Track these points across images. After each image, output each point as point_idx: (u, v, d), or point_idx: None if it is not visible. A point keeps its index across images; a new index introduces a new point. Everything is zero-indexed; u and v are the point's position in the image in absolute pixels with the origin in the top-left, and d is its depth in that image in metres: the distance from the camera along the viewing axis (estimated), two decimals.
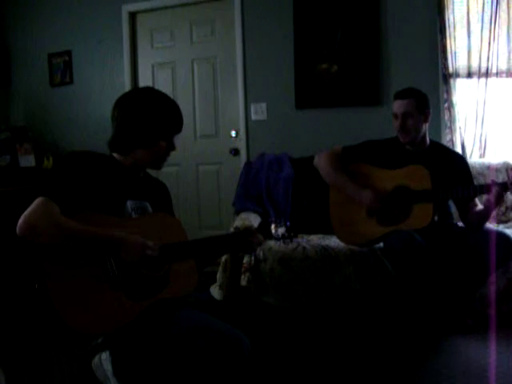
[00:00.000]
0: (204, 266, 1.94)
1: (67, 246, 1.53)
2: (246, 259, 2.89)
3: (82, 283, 1.53)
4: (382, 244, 2.74)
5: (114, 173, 1.74)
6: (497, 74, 3.61)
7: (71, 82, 4.76)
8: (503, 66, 3.62)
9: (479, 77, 3.63)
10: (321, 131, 4.04)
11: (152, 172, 1.96)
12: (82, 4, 4.65)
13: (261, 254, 2.89)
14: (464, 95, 3.72)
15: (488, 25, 3.56)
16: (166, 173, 1.99)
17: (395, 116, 2.75)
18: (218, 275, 2.95)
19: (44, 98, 4.84)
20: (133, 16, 4.57)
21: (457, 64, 3.68)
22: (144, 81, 4.55)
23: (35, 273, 1.52)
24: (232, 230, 2.95)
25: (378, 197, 2.68)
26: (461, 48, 3.67)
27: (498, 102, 3.65)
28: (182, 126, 1.81)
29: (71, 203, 1.57)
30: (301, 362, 2.37)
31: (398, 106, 2.73)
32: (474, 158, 3.64)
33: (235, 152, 4.33)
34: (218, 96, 4.41)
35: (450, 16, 3.64)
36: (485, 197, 2.60)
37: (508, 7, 3.55)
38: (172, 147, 1.79)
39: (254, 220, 3.18)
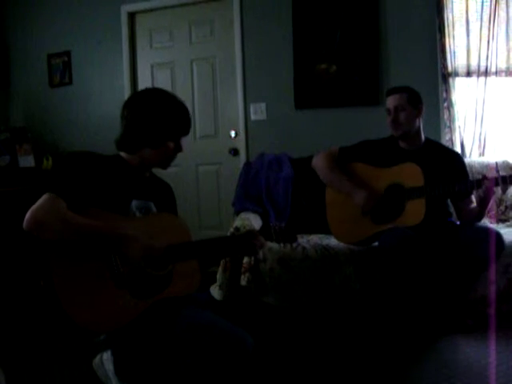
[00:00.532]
0: (207, 266, 1.95)
1: (73, 242, 1.54)
2: (245, 259, 2.89)
3: (87, 280, 1.55)
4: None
5: (120, 172, 1.76)
6: (496, 73, 3.61)
7: (70, 82, 4.75)
8: (502, 65, 3.62)
9: (478, 76, 3.63)
10: (320, 131, 4.04)
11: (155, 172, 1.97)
12: (81, 4, 4.64)
13: (260, 254, 2.88)
14: (463, 94, 3.72)
15: (487, 23, 3.57)
16: (166, 173, 2.00)
17: (388, 111, 2.80)
18: (218, 275, 2.95)
19: (43, 98, 4.84)
20: (132, 16, 4.57)
21: (456, 63, 3.68)
22: (143, 81, 4.55)
23: (41, 269, 1.53)
24: (232, 230, 2.95)
25: (371, 197, 2.69)
26: (460, 47, 3.67)
27: (497, 101, 3.65)
28: (189, 128, 1.84)
29: (78, 199, 1.59)
30: (301, 361, 2.37)
31: (389, 101, 2.79)
32: (473, 157, 3.64)
33: (235, 152, 4.33)
34: (218, 96, 4.40)
35: (448, 15, 3.64)
36: (476, 192, 2.62)
37: (507, 6, 3.55)
38: (179, 148, 1.82)
39: (254, 220, 3.18)
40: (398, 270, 2.50)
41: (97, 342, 1.68)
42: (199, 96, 4.44)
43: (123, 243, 1.59)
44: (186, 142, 1.85)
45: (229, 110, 4.36)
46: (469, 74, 3.68)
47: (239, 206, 3.55)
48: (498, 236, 2.51)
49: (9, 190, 4.08)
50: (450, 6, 3.64)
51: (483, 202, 2.58)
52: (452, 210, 2.86)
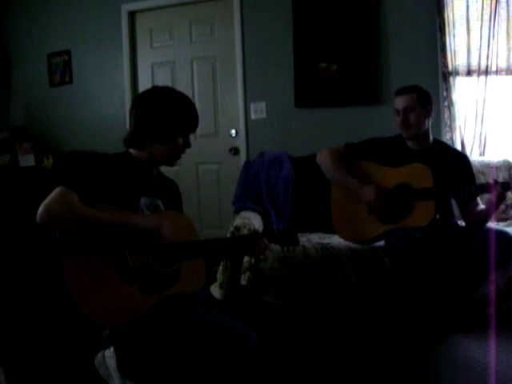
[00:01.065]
0: (211, 265, 1.98)
1: (86, 233, 1.56)
2: (246, 258, 2.89)
3: (96, 273, 1.57)
4: (382, 242, 2.73)
5: (129, 169, 1.78)
6: (496, 72, 3.61)
7: (70, 81, 4.75)
8: (503, 64, 3.61)
9: (479, 75, 3.63)
10: (320, 130, 4.04)
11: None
12: (81, 3, 4.65)
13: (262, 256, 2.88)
14: (464, 93, 3.72)
15: (487, 23, 3.56)
16: (166, 172, 2.01)
17: (397, 112, 2.74)
18: (219, 274, 2.95)
19: (43, 97, 4.84)
20: (132, 15, 4.57)
21: (456, 62, 3.68)
22: (143, 80, 4.55)
23: (52, 261, 1.55)
24: (232, 229, 2.95)
25: (380, 193, 2.68)
26: (460, 46, 3.67)
27: (497, 100, 3.65)
28: (197, 125, 1.88)
29: (89, 192, 1.61)
30: (301, 360, 2.37)
31: (398, 102, 2.73)
32: (473, 157, 3.64)
33: (235, 151, 4.33)
34: (218, 95, 4.40)
35: (449, 14, 3.64)
36: (486, 196, 2.59)
37: (507, 5, 3.55)
38: (188, 144, 1.86)
39: (254, 219, 3.18)
40: (405, 271, 2.49)
41: (101, 338, 1.69)
42: (199, 95, 4.44)
43: (134, 232, 1.62)
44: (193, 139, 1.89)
45: (229, 108, 4.36)
46: (469, 73, 3.68)
47: (239, 205, 3.55)
48: (509, 239, 2.48)
49: (9, 189, 4.08)
50: (450, 4, 3.64)
51: (493, 206, 2.54)
52: (454, 208, 2.85)
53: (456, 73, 3.69)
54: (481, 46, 3.60)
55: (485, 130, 3.67)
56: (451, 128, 3.73)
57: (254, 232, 2.01)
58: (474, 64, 3.65)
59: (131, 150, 1.84)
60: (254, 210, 3.43)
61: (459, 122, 3.71)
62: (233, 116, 4.33)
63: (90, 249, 1.58)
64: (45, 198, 1.55)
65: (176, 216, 1.85)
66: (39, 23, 4.80)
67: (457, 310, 2.60)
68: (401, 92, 2.74)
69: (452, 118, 3.72)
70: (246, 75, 4.22)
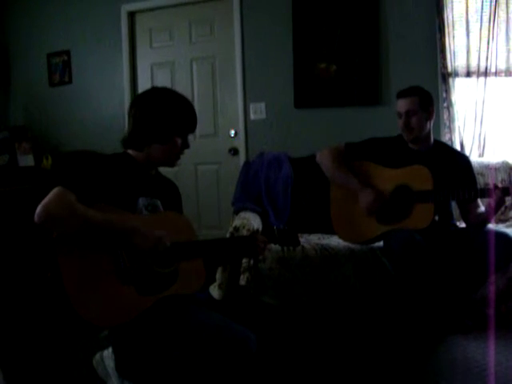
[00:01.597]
0: (210, 268, 1.97)
1: (84, 234, 1.56)
2: (245, 259, 2.88)
3: (93, 274, 1.56)
4: (381, 243, 2.73)
5: (127, 169, 1.78)
6: (496, 74, 3.61)
7: (70, 81, 4.75)
8: (502, 66, 3.62)
9: (478, 76, 3.63)
10: (320, 131, 4.04)
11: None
12: (81, 3, 4.65)
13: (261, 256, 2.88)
14: (463, 94, 3.72)
15: (487, 24, 3.56)
16: (165, 173, 2.01)
17: (399, 115, 2.74)
18: (218, 275, 2.95)
19: (43, 97, 4.84)
20: (132, 15, 4.56)
21: (456, 63, 3.68)
22: (143, 80, 4.55)
23: (49, 262, 1.55)
24: (231, 229, 2.95)
25: (377, 198, 2.67)
26: (460, 47, 3.67)
27: (496, 102, 3.65)
28: (195, 125, 1.88)
29: (87, 193, 1.60)
30: (301, 361, 2.37)
31: (401, 105, 2.72)
32: (473, 158, 3.62)
33: (234, 152, 4.33)
34: (217, 95, 4.40)
35: (448, 15, 3.64)
36: (486, 200, 2.59)
37: (507, 6, 3.55)
38: (186, 145, 1.86)
39: (254, 219, 3.18)
40: (404, 272, 2.49)
41: (99, 338, 1.68)
42: (199, 95, 4.44)
43: (132, 235, 1.61)
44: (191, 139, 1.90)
45: (228, 109, 4.36)
46: (468, 74, 3.68)
47: (239, 206, 3.55)
48: (509, 242, 2.47)
49: (8, 189, 4.08)
50: (449, 6, 3.64)
51: (492, 210, 2.53)
52: (453, 210, 2.85)
53: (455, 74, 3.69)
54: (480, 47, 3.60)
55: (484, 131, 3.67)
56: (450, 129, 3.73)
57: (253, 233, 2.01)
58: (474, 65, 3.65)
59: (129, 151, 1.83)
60: (253, 211, 3.43)
61: (458, 123, 3.71)
62: (232, 116, 4.32)
63: (88, 249, 1.57)
64: (44, 198, 1.55)
65: (174, 216, 1.85)
66: (39, 23, 4.80)
67: (456, 311, 2.60)
68: (403, 94, 2.73)
69: (451, 119, 3.72)
70: (246, 76, 4.22)
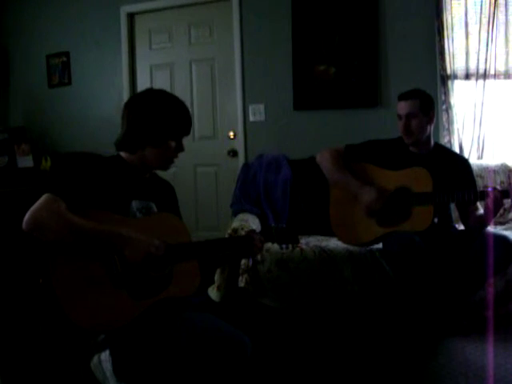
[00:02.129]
0: (207, 269, 1.95)
1: (73, 242, 1.54)
2: (243, 261, 2.88)
3: (85, 279, 1.55)
4: (380, 245, 2.73)
5: (120, 172, 1.76)
6: (494, 76, 3.61)
7: (69, 82, 4.75)
8: (501, 68, 3.62)
9: (477, 78, 3.63)
10: (319, 133, 4.04)
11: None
12: (80, 5, 4.65)
13: (258, 255, 2.88)
14: (462, 97, 3.72)
15: (486, 26, 3.56)
16: (164, 174, 2.00)
17: (399, 117, 2.74)
18: (216, 276, 2.95)
19: (42, 98, 4.84)
20: (131, 17, 4.57)
21: (455, 65, 3.68)
22: (142, 82, 4.55)
23: (40, 268, 1.53)
24: (229, 231, 2.95)
25: (380, 195, 2.67)
26: (459, 49, 3.67)
27: (495, 104, 3.65)
28: (190, 128, 1.85)
29: (77, 200, 1.59)
30: (299, 363, 2.37)
31: (401, 107, 2.72)
32: (471, 160, 3.62)
33: (233, 153, 4.33)
34: (216, 97, 4.40)
35: (447, 17, 3.64)
36: (484, 202, 2.58)
37: (506, 8, 3.55)
38: (180, 148, 1.84)
39: (252, 221, 3.18)
40: (403, 274, 2.49)
41: (96, 342, 1.67)
42: (198, 97, 4.45)
43: (122, 244, 1.59)
44: (185, 142, 1.86)
45: (227, 111, 4.36)
46: (467, 76, 3.68)
47: (237, 207, 3.55)
48: (508, 244, 2.47)
49: (7, 190, 4.08)
50: (449, 8, 3.64)
51: (490, 212, 2.51)
52: (452, 213, 2.85)
53: (454, 76, 3.70)
54: (479, 49, 3.60)
55: (483, 134, 3.67)
56: (449, 131, 3.73)
57: (249, 231, 1.99)
58: (473, 67, 3.65)
59: (122, 154, 1.81)
60: (251, 213, 3.43)
61: (457, 125, 3.71)
62: (231, 118, 4.33)
63: (79, 255, 1.55)
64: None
65: (168, 218, 1.83)
66: (38, 24, 4.80)
67: (455, 313, 2.60)
68: (404, 97, 2.72)
69: (450, 121, 3.72)
70: (245, 77, 4.22)
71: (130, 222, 1.69)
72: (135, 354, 1.61)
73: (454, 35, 3.66)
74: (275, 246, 2.82)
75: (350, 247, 2.85)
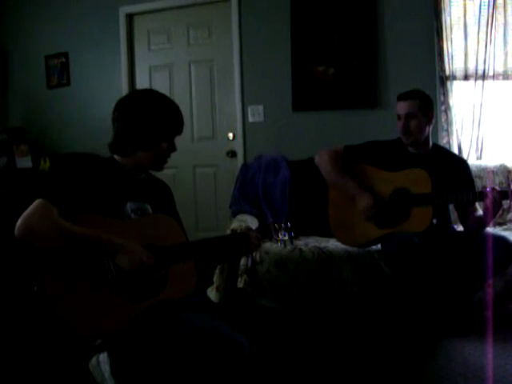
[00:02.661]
0: (204, 268, 1.94)
1: (65, 249, 1.53)
2: (242, 261, 2.88)
3: (80, 285, 1.54)
4: (379, 246, 2.74)
5: (113, 175, 1.74)
6: (493, 77, 3.61)
7: (68, 83, 4.75)
8: (500, 69, 3.62)
9: (476, 79, 3.64)
10: (318, 133, 4.04)
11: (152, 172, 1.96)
12: (79, 6, 4.65)
13: (257, 256, 2.88)
14: (461, 98, 3.72)
15: (484, 27, 3.57)
16: (163, 175, 1.99)
17: (398, 117, 2.74)
18: (215, 277, 2.95)
19: (41, 99, 4.84)
20: (130, 18, 4.57)
21: (453, 66, 3.68)
22: (141, 83, 4.55)
23: (34, 275, 1.52)
24: (228, 232, 2.95)
25: (375, 203, 2.67)
26: (457, 50, 3.67)
27: (494, 105, 3.65)
28: (182, 127, 1.82)
29: (70, 205, 1.57)
30: (298, 364, 2.37)
31: (400, 107, 2.72)
32: (470, 161, 3.63)
33: (232, 154, 4.33)
34: (215, 98, 4.40)
35: (446, 18, 3.65)
36: (483, 203, 2.58)
37: (504, 10, 3.56)
38: (173, 148, 1.81)
39: (251, 222, 3.18)
40: (402, 275, 2.49)
41: (94, 344, 1.67)
42: (197, 98, 4.45)
43: (113, 252, 1.58)
44: (179, 141, 1.83)
45: (226, 112, 4.36)
46: (466, 77, 3.68)
47: (236, 208, 3.55)
48: (507, 245, 2.47)
49: (6, 191, 4.07)
50: (447, 9, 3.64)
51: (489, 213, 2.52)
52: (451, 214, 2.85)
53: (453, 77, 3.70)
54: (478, 50, 3.60)
55: (482, 135, 3.68)
56: (448, 132, 3.73)
57: (246, 228, 1.98)
58: (471, 68, 3.65)
59: (116, 156, 1.80)
60: (250, 213, 3.43)
61: (456, 126, 3.72)
62: (230, 119, 4.33)
63: (73, 261, 1.54)
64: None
65: (162, 219, 1.81)
66: (37, 25, 4.79)
67: (454, 313, 2.60)
68: (403, 97, 2.73)
69: (449, 122, 3.72)
70: (244, 78, 4.22)
71: (125, 225, 1.68)
72: (133, 356, 1.60)
73: (453, 36, 3.66)
74: (274, 247, 2.84)
75: (349, 248, 2.85)
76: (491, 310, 2.67)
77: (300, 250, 2.88)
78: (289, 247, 2.80)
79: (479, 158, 3.70)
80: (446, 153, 2.92)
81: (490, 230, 2.82)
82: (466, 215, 2.73)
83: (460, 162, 2.86)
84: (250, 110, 4.22)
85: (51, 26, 4.74)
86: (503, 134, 3.70)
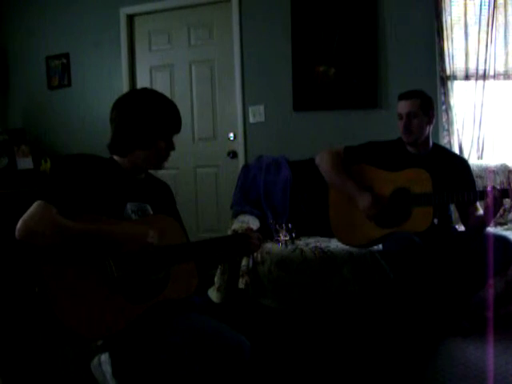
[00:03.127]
0: (205, 269, 1.94)
1: (67, 246, 1.53)
2: (243, 262, 2.88)
3: (81, 286, 1.53)
4: (380, 246, 2.74)
5: (113, 175, 1.74)
6: (494, 77, 3.61)
7: (69, 84, 4.75)
8: (500, 69, 3.62)
9: (477, 79, 3.64)
10: (318, 134, 4.04)
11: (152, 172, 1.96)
12: (79, 7, 4.65)
13: (259, 256, 2.88)
14: (461, 97, 3.72)
15: (485, 27, 3.57)
16: (164, 175, 1.99)
17: (400, 116, 2.75)
18: (216, 278, 2.95)
19: (42, 100, 4.84)
20: (131, 19, 4.57)
21: (454, 66, 3.69)
22: (142, 83, 4.55)
23: (35, 276, 1.52)
24: (230, 232, 2.95)
25: (376, 203, 2.67)
26: (458, 50, 3.68)
27: (495, 104, 3.65)
28: (180, 126, 1.81)
29: (69, 206, 1.57)
30: (299, 364, 2.37)
31: (402, 106, 2.73)
32: (471, 161, 3.63)
33: (233, 155, 4.33)
34: (216, 99, 4.41)
35: (447, 18, 3.65)
36: (484, 202, 2.58)
37: (505, 9, 3.56)
38: (171, 147, 1.80)
39: (253, 223, 3.18)
40: (403, 275, 2.49)
41: (95, 345, 1.67)
42: (198, 98, 4.45)
43: (116, 240, 1.59)
44: (179, 141, 1.83)
45: (227, 112, 4.36)
46: (467, 77, 3.68)
47: (237, 209, 3.55)
48: (508, 245, 2.47)
49: (7, 191, 4.07)
50: (448, 9, 3.64)
51: (490, 212, 2.51)
52: (452, 213, 2.85)
53: (454, 77, 3.70)
54: (479, 50, 3.61)
55: (483, 134, 3.68)
56: (449, 132, 3.73)
57: (246, 229, 1.98)
58: (472, 68, 3.66)
59: (115, 157, 1.80)
60: (252, 214, 3.43)
61: (457, 125, 3.72)
62: (231, 119, 4.33)
63: (74, 261, 1.54)
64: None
65: (163, 219, 1.80)
66: (38, 26, 4.80)
67: (455, 313, 2.60)
68: (404, 96, 2.74)
69: (450, 122, 3.72)
70: (245, 79, 4.22)
71: (124, 225, 1.67)
72: (134, 356, 1.60)
73: (454, 36, 3.66)
74: (275, 247, 2.84)
75: (350, 248, 2.85)
76: (492, 310, 2.67)
77: (301, 250, 2.88)
78: (290, 247, 2.81)
79: (480, 157, 3.70)
80: (447, 153, 2.92)
81: (491, 229, 2.83)
82: (467, 215, 2.73)
83: (461, 162, 2.86)
84: (250, 110, 4.22)
85: (52, 26, 4.74)
86: (504, 134, 3.70)
